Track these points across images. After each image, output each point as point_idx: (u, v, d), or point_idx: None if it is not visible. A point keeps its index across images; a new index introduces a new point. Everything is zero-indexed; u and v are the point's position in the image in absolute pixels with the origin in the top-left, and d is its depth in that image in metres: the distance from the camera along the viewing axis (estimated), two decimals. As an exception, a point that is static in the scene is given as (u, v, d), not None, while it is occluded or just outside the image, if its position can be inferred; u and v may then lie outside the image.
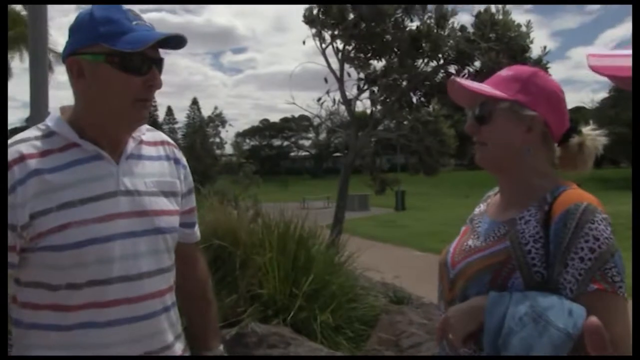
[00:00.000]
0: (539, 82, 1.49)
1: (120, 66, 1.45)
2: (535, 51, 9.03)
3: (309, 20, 9.37)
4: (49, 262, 1.43)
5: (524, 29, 8.72)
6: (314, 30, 9.53)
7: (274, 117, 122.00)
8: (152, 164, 1.63)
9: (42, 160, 1.44)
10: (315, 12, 9.25)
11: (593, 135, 1.52)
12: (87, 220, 1.43)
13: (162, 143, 1.71)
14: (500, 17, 8.76)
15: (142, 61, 1.47)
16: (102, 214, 1.46)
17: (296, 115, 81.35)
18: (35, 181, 1.41)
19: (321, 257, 4.82)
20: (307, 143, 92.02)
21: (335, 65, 9.83)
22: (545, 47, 9.03)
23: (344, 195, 9.99)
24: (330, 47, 9.67)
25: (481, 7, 9.06)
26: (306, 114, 11.49)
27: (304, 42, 9.65)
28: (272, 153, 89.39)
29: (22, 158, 1.42)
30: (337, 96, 10.09)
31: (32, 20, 3.33)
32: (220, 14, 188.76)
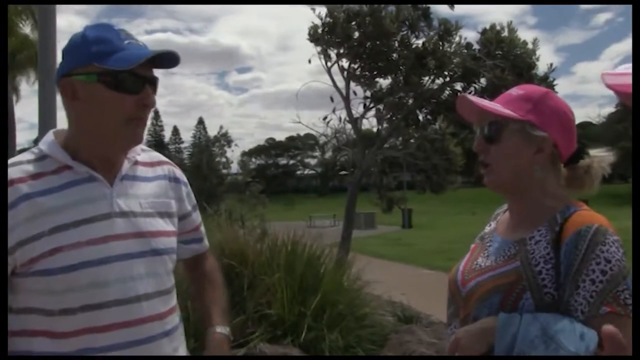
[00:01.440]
0: (551, 103, 1.48)
1: (112, 85, 1.43)
2: (541, 68, 9.01)
3: (314, 38, 9.37)
4: (41, 287, 1.40)
5: (530, 46, 8.71)
6: (319, 49, 9.53)
7: (280, 136, 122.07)
8: (148, 185, 1.60)
9: (33, 184, 1.42)
10: (320, 30, 9.26)
11: (600, 157, 1.51)
12: (80, 243, 1.40)
13: (160, 163, 1.69)
14: (506, 34, 8.77)
15: (135, 80, 1.45)
16: (96, 236, 1.43)
17: (302, 133, 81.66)
18: (26, 205, 1.39)
19: (329, 276, 4.79)
20: (313, 161, 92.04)
21: (340, 83, 9.80)
22: (551, 64, 9.02)
23: (351, 213, 9.93)
24: (336, 65, 9.67)
25: (486, 24, 9.07)
26: (312, 132, 11.44)
27: (309, 61, 9.66)
28: (278, 172, 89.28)
29: (10, 182, 1.40)
30: (343, 114, 10.08)
31: (41, 41, 3.36)
32: (224, 34, 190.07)
